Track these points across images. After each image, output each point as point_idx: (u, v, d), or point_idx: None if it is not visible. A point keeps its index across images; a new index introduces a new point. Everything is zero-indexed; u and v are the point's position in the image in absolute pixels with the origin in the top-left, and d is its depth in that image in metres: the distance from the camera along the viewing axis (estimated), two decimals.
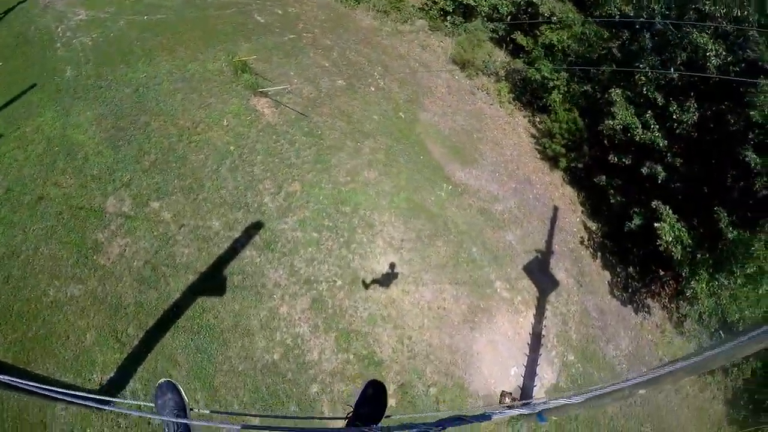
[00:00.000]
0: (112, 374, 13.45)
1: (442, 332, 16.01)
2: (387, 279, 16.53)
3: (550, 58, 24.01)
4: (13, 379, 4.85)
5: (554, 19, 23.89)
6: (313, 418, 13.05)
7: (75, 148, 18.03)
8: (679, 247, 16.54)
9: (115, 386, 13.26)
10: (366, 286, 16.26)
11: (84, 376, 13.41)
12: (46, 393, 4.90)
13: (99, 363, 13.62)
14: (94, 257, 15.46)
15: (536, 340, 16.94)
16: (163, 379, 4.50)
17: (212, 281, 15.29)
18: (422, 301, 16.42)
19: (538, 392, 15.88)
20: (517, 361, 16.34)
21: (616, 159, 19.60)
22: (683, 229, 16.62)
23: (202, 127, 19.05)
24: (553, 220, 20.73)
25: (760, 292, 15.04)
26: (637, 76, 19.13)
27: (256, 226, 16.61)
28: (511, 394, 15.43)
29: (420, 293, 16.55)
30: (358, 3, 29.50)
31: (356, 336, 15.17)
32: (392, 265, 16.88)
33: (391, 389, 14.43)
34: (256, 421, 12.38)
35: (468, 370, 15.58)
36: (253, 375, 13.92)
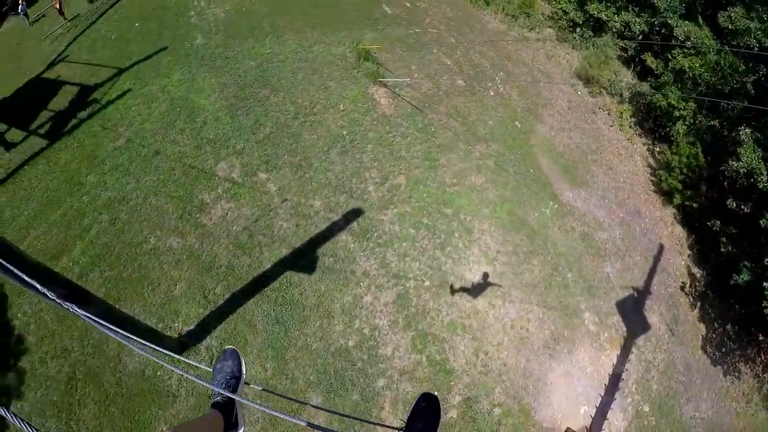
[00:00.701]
0: (192, 327, 13.91)
1: (520, 354, 15.40)
2: (476, 289, 16.04)
3: (679, 85, 22.34)
4: (92, 318, 4.85)
5: (688, 43, 22.36)
6: (366, 421, 12.90)
7: (196, 111, 18.74)
8: None
9: (192, 338, 13.72)
10: (453, 291, 15.84)
11: (166, 323, 13.98)
12: (121, 335, 4.88)
13: (183, 314, 14.14)
14: (198, 215, 16.01)
15: (614, 382, 15.92)
16: (230, 346, 4.38)
17: (304, 258, 15.40)
18: (506, 318, 15.83)
19: None
20: (589, 399, 15.44)
21: (734, 204, 18.03)
22: None
23: (318, 108, 19.24)
24: (657, 259, 19.36)
25: None
26: None
27: (356, 213, 16.57)
28: None
29: (506, 309, 15.97)
30: (488, 4, 28.96)
31: (433, 339, 14.83)
32: (485, 275, 16.35)
33: (456, 400, 14.08)
34: (307, 409, 12.43)
35: (537, 398, 14.90)
36: (324, 356, 13.93)
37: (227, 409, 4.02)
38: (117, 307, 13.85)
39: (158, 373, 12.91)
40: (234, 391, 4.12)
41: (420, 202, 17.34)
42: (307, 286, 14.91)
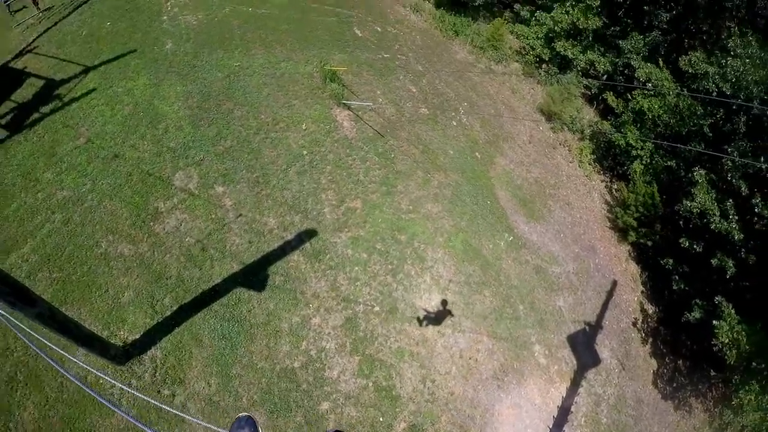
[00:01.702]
0: (137, 336, 13.83)
1: (468, 383, 15.65)
2: (426, 317, 16.30)
3: (639, 125, 23.32)
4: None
5: (649, 85, 23.21)
6: None
7: (159, 117, 18.74)
8: (734, 351, 15.71)
9: (137, 348, 13.62)
10: (420, 322, 16.13)
11: (111, 330, 13.87)
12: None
13: (129, 322, 14.06)
14: (151, 224, 16.00)
15: (563, 415, 16.29)
16: (244, 414, 4.48)
17: (255, 276, 15.48)
18: (455, 347, 16.11)
19: None
20: None
21: (687, 244, 18.80)
22: (743, 332, 15.70)
23: (281, 125, 19.44)
24: (610, 295, 20.06)
25: None
26: (724, 160, 18.36)
27: (310, 234, 16.74)
28: None
29: (455, 338, 16.27)
30: (457, 35, 29.68)
31: (380, 365, 15.00)
32: (436, 304, 16.69)
33: (401, 427, 14.23)
34: None
35: (484, 429, 15.13)
36: (269, 375, 13.96)
37: None
38: (63, 309, 13.77)
39: (100, 381, 12.81)
40: None
41: (374, 227, 17.62)
42: (255, 303, 14.98)
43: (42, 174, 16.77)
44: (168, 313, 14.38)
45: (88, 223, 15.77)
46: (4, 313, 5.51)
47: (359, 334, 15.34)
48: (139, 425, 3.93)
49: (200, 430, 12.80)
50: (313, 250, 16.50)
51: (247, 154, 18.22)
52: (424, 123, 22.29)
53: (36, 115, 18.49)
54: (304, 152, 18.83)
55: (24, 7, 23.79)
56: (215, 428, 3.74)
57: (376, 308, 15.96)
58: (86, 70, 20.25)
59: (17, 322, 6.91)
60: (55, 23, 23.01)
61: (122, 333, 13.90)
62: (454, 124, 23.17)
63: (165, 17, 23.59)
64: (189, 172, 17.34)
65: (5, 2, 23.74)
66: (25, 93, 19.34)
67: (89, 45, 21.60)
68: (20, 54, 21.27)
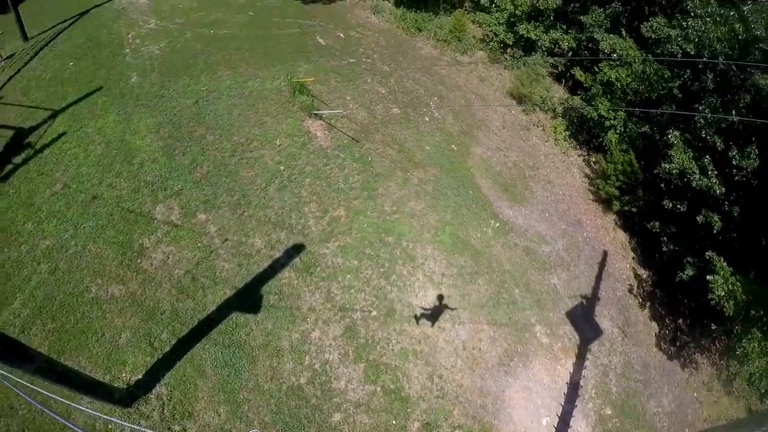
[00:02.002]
0: (140, 376, 13.74)
1: (475, 374, 15.67)
2: (424, 314, 16.32)
3: (609, 96, 23.46)
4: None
5: (614, 56, 23.32)
6: None
7: (132, 152, 18.66)
8: (731, 303, 15.76)
9: (141, 388, 13.53)
10: (417, 320, 16.15)
11: (113, 374, 13.76)
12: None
13: (130, 363, 13.96)
14: (138, 261, 15.92)
15: (573, 390, 16.32)
16: (254, 430, 4.56)
17: (248, 298, 15.46)
18: (457, 340, 16.14)
19: None
20: (550, 410, 15.75)
21: (671, 205, 18.96)
22: (737, 283, 15.81)
23: (255, 144, 19.43)
24: (602, 266, 20.15)
25: None
26: (696, 118, 18.47)
27: (298, 248, 16.74)
28: None
29: (456, 331, 16.30)
30: (420, 31, 29.74)
31: (386, 369, 15.02)
32: (432, 300, 16.73)
33: (415, 426, 14.23)
34: None
35: (498, 416, 15.14)
36: (277, 395, 13.93)
37: None
38: (62, 360, 13.70)
39: (109, 426, 12.76)
40: None
41: (361, 232, 17.65)
42: (253, 325, 14.96)
43: (22, 226, 16.62)
44: (167, 348, 14.31)
45: (75, 270, 15.66)
46: (4, 372, 5.49)
47: (360, 341, 15.35)
48: None
49: None
50: (303, 264, 16.50)
51: (225, 178, 18.21)
52: (397, 123, 22.35)
53: (9, 167, 18.32)
54: (282, 168, 18.83)
55: None
56: None
57: (374, 313, 15.97)
58: (54, 114, 20.14)
59: (17, 380, 6.87)
60: (18, 70, 22.89)
61: (124, 375, 13.82)
62: (427, 119, 23.22)
63: (127, 50, 23.59)
64: (169, 203, 17.29)
65: None
66: None
67: (54, 88, 21.50)
68: None
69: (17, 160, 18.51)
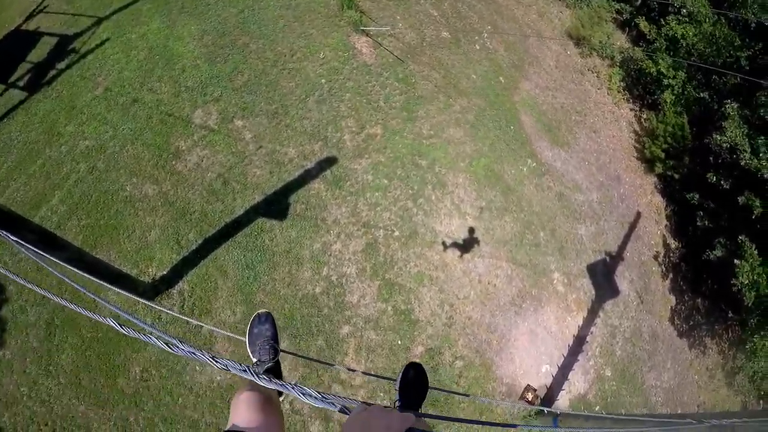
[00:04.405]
0: (165, 272, 14.13)
1: (485, 309, 15.55)
2: (445, 241, 16.17)
3: (672, 54, 21.95)
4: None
5: (684, 11, 21.86)
6: (369, 374, 13.70)
7: (174, 58, 18.56)
8: (753, 293, 15.13)
9: (165, 283, 13.98)
10: (445, 247, 16.01)
11: (140, 269, 14.19)
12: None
13: (156, 259, 14.33)
14: (173, 162, 16.07)
15: (578, 344, 16.13)
16: (263, 310, 4.47)
17: (276, 205, 15.51)
18: (474, 273, 15.94)
19: (564, 398, 15.29)
20: (552, 359, 15.67)
21: (714, 179, 17.90)
22: (764, 274, 15.07)
23: (298, 56, 19.05)
24: (633, 226, 19.40)
25: None
26: (758, 93, 17.42)
27: (330, 161, 16.59)
28: (535, 390, 14.82)
29: (474, 264, 16.07)
30: None
31: (400, 289, 15.01)
32: (456, 229, 16.49)
33: (419, 350, 14.35)
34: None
35: (500, 354, 15.13)
36: (292, 301, 14.15)
37: (278, 372, 4.15)
38: (93, 253, 14.12)
39: (148, 321, 13.14)
40: (277, 353, 4.18)
41: (395, 152, 17.32)
42: (277, 232, 15.05)
43: (64, 128, 16.86)
44: (193, 247, 14.60)
45: (112, 169, 15.93)
46: (42, 254, 5.54)
47: (379, 259, 15.31)
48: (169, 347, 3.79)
49: (227, 353, 13.11)
50: (334, 177, 16.36)
51: (265, 87, 17.99)
52: (445, 47, 21.49)
53: (53, 72, 18.45)
54: (323, 81, 18.46)
55: None
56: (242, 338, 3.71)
57: (396, 233, 15.83)
58: (98, 22, 20.04)
59: (50, 267, 6.98)
60: None
61: (151, 270, 14.23)
62: (477, 48, 22.28)
63: None
64: (208, 108, 17.25)
65: None
66: (40, 52, 19.25)
67: None
68: (31, 15, 21.18)
69: (61, 65, 18.63)
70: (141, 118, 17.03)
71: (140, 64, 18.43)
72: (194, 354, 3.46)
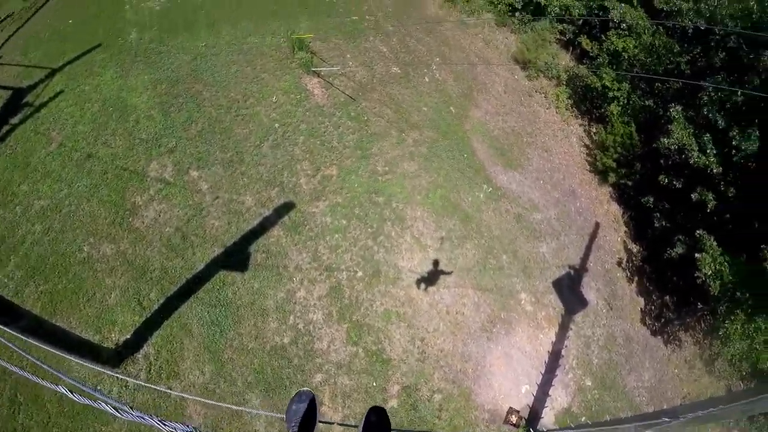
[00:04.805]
0: (128, 336, 14.03)
1: (457, 338, 15.77)
2: (409, 276, 16.35)
3: (615, 67, 22.72)
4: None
5: (623, 25, 22.63)
6: (323, 422, 13.16)
7: (128, 110, 18.61)
8: (717, 283, 15.56)
9: (130, 348, 13.85)
10: (409, 282, 16.21)
11: (103, 334, 14.07)
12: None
13: (119, 323, 14.24)
14: (130, 219, 16.07)
15: (554, 359, 16.39)
16: (305, 388, 4.54)
17: (236, 256, 15.58)
18: (441, 304, 16.18)
19: (548, 415, 15.46)
20: (530, 378, 15.91)
21: (666, 180, 18.47)
22: (725, 263, 15.57)
23: (251, 101, 19.24)
24: (593, 237, 19.87)
25: None
26: (700, 94, 18.00)
27: (288, 207, 16.74)
28: (518, 412, 15.02)
29: (440, 295, 16.32)
30: None
31: (368, 330, 15.15)
32: (418, 263, 16.69)
33: (395, 389, 14.45)
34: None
35: (477, 381, 15.31)
36: (261, 355, 14.17)
37: None
38: (53, 321, 13.98)
39: (97, 388, 13.00)
40: None
41: (352, 192, 17.56)
42: (240, 284, 15.12)
43: (18, 187, 16.74)
44: (156, 307, 14.60)
45: (69, 229, 15.86)
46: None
47: (345, 302, 15.46)
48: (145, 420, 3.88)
49: (200, 416, 13.08)
50: (292, 222, 16.52)
51: (220, 135, 18.14)
52: (396, 82, 21.90)
53: (6, 128, 18.34)
54: (276, 125, 18.68)
55: None
56: (214, 402, 3.80)
57: (359, 273, 16.02)
58: (52, 73, 19.99)
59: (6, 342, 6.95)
60: (16, 30, 22.66)
61: (113, 335, 14.14)
62: (427, 80, 22.73)
63: (127, 6, 23.19)
64: (162, 160, 17.31)
65: None
66: None
67: (53, 47, 21.26)
68: None
69: (14, 120, 18.49)
70: (96, 173, 16.98)
71: (94, 117, 18.40)
72: (143, 418, 3.61)
